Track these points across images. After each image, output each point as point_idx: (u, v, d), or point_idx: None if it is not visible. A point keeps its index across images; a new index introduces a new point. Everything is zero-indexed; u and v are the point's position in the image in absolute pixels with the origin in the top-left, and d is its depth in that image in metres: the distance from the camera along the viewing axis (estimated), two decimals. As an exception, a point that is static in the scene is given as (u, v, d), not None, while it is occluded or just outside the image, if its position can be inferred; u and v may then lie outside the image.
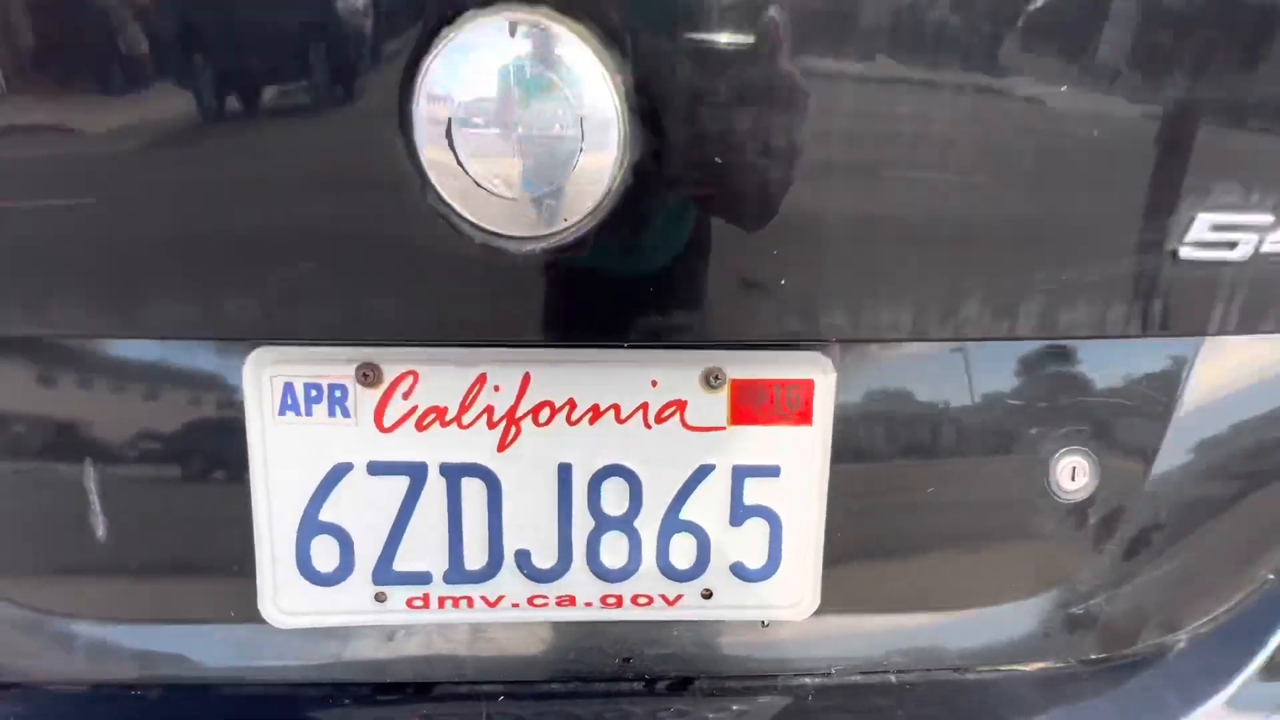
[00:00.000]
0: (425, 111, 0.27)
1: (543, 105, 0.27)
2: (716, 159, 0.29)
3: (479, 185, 0.28)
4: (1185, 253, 0.33)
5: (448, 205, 0.28)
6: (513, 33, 0.26)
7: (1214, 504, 0.41)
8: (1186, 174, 0.31)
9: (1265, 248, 0.33)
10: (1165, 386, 0.40)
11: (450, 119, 0.27)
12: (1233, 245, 0.33)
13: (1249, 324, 0.35)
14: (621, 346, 0.35)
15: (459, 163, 0.27)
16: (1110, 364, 0.39)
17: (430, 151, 0.27)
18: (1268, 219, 0.32)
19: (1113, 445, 0.40)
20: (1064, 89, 0.30)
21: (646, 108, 0.28)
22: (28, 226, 0.30)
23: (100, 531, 0.37)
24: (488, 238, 0.29)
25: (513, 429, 0.37)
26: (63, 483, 0.37)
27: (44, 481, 0.37)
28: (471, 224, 0.29)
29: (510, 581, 0.38)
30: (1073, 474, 0.40)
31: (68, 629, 0.39)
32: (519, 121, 0.26)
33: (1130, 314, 0.34)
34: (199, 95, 0.27)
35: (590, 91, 0.27)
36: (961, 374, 0.39)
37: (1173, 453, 0.40)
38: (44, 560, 0.39)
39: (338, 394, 0.36)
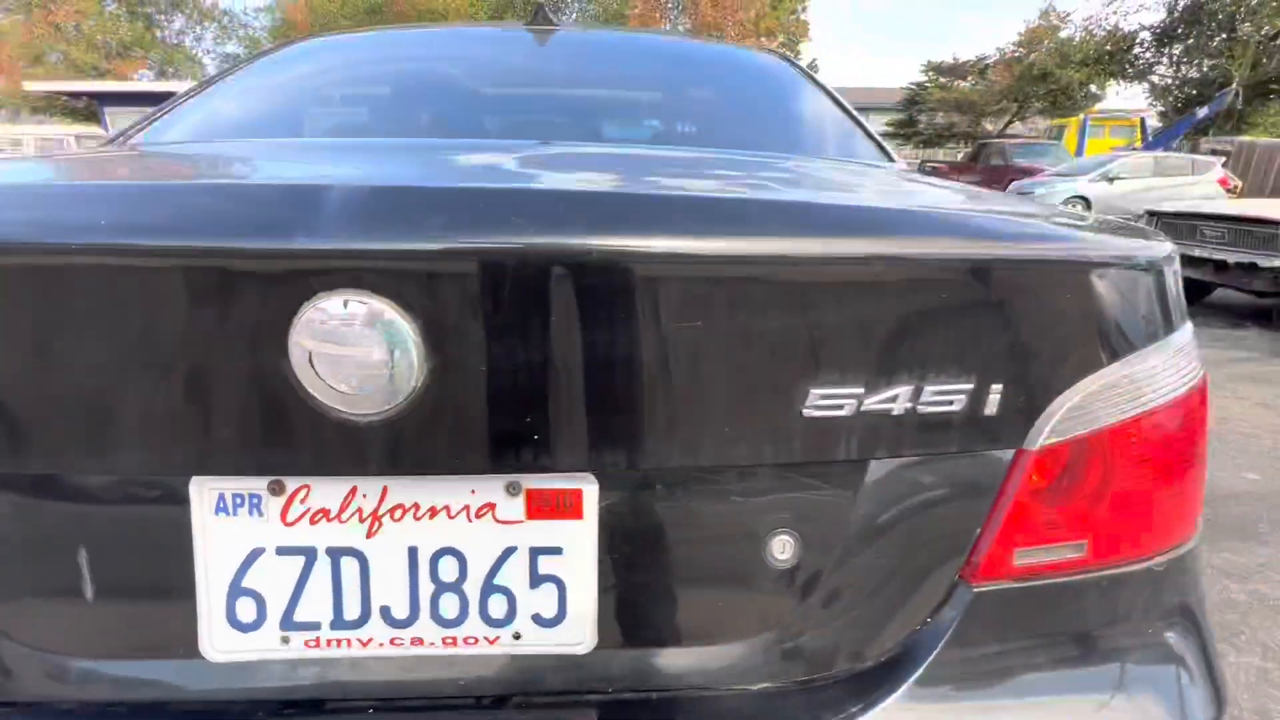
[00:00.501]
0: (296, 347, 0.44)
1: (365, 344, 0.44)
2: (483, 368, 0.46)
3: (331, 388, 0.45)
4: (807, 412, 0.50)
5: (316, 399, 0.45)
6: (345, 304, 0.43)
7: (881, 570, 0.58)
8: (799, 368, 0.49)
9: (863, 407, 0.50)
10: (845, 488, 0.56)
11: (310, 351, 0.44)
12: (840, 406, 0.50)
13: (862, 454, 0.52)
14: (444, 475, 0.52)
15: (318, 375, 0.44)
16: (800, 476, 0.56)
17: (301, 370, 0.44)
18: (859, 390, 0.50)
19: (810, 529, 0.57)
20: (719, 335, 0.47)
21: (434, 341, 0.45)
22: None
23: (89, 594, 0.53)
24: (342, 416, 0.46)
25: (376, 523, 0.53)
26: (62, 559, 0.53)
27: (46, 557, 0.53)
28: (331, 408, 0.46)
29: (377, 628, 0.54)
30: (782, 548, 0.57)
31: (60, 663, 0.55)
32: (350, 354, 0.44)
33: (792, 449, 0.52)
34: (158, 338, 0.45)
35: (395, 334, 0.44)
36: (700, 484, 0.56)
37: (851, 535, 0.57)
38: (43, 608, 0.55)
39: (255, 500, 0.52)
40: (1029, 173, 13.84)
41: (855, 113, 1.37)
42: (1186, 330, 0.61)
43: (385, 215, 0.45)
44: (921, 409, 0.52)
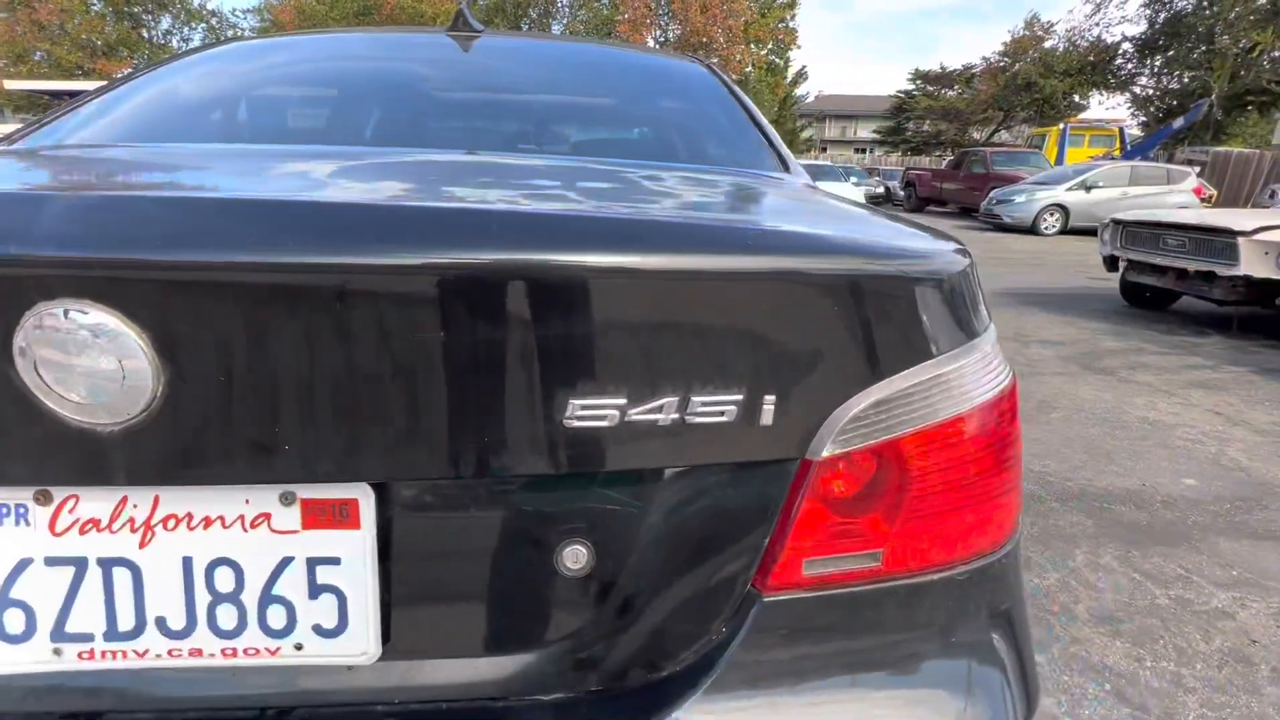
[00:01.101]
0: (19, 354, 0.44)
1: (93, 352, 0.43)
2: (227, 378, 0.46)
3: (64, 398, 0.44)
4: (569, 423, 0.50)
5: (51, 409, 0.45)
6: (65, 314, 0.43)
7: (673, 580, 0.58)
8: (560, 378, 0.49)
9: (628, 418, 0.50)
10: (632, 498, 0.57)
11: (35, 360, 0.43)
12: (602, 417, 0.50)
13: (635, 463, 0.52)
14: (216, 485, 0.51)
15: (47, 385, 0.44)
16: (587, 486, 0.56)
17: (28, 377, 0.44)
18: (621, 401, 0.50)
19: (601, 539, 0.57)
20: (477, 344, 0.47)
21: (169, 351, 0.45)
22: None
23: None
24: (83, 424, 0.46)
25: (149, 532, 0.53)
26: None
27: None
28: (70, 418, 0.45)
29: (153, 639, 0.54)
30: (574, 558, 0.57)
31: None
32: (77, 363, 0.43)
33: (558, 459, 0.52)
34: None
35: (120, 338, 0.44)
36: (479, 491, 0.56)
37: (642, 545, 0.57)
38: None
39: (22, 510, 0.52)
40: (1009, 180, 13.98)
41: (764, 122, 1.38)
42: (986, 338, 0.62)
43: (107, 226, 0.45)
44: (691, 419, 0.52)
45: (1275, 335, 4.99)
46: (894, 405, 0.56)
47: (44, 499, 0.51)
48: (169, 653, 0.54)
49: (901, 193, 19.00)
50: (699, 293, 0.52)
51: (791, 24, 32.90)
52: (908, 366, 0.56)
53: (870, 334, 0.54)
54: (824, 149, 45.01)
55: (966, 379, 0.59)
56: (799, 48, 36.14)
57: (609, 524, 0.57)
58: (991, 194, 13.36)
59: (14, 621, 0.52)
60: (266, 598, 0.54)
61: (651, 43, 30.59)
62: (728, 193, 0.84)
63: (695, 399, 0.51)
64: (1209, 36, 25.36)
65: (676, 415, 0.51)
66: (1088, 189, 12.12)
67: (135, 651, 0.54)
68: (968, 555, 0.62)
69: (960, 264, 0.60)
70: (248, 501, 0.53)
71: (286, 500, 0.53)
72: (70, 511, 0.52)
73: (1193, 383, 3.91)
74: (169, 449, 0.48)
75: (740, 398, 0.52)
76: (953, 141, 33.60)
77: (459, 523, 0.56)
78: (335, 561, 0.54)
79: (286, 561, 0.53)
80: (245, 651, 0.54)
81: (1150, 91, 28.27)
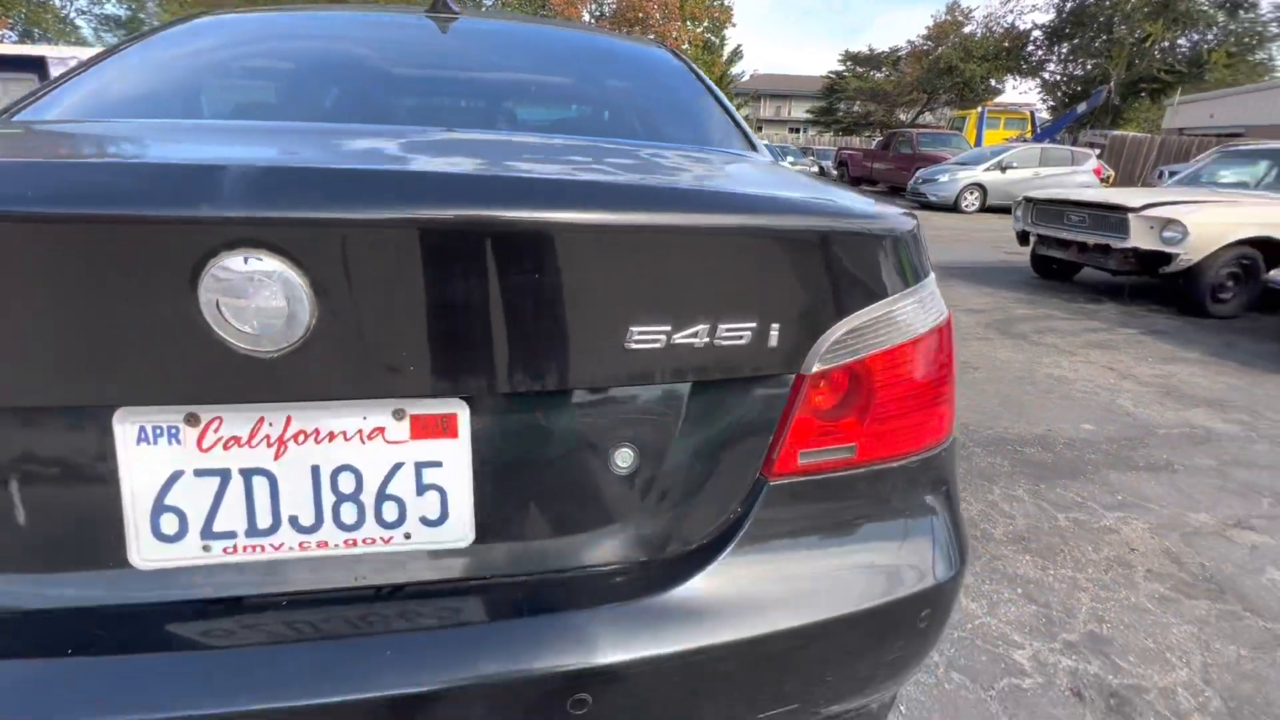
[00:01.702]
0: (205, 293, 0.55)
1: (263, 291, 0.55)
2: (364, 314, 0.58)
3: (237, 329, 0.56)
4: (629, 345, 0.65)
5: (223, 337, 0.56)
6: (246, 260, 0.54)
7: (701, 472, 0.74)
8: (621, 311, 0.64)
9: (673, 341, 0.66)
10: (669, 407, 0.72)
11: (216, 299, 0.55)
12: (654, 341, 0.65)
13: (676, 378, 0.68)
14: (340, 400, 0.63)
15: (225, 319, 0.55)
16: (633, 398, 0.71)
17: (209, 312, 0.55)
18: (668, 328, 0.65)
19: (645, 441, 0.72)
20: (557, 286, 0.61)
21: (321, 285, 0.57)
22: None
23: (21, 518, 0.62)
24: (249, 350, 0.57)
25: (283, 446, 0.64)
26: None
27: None
28: (237, 347, 0.57)
29: (287, 534, 0.66)
30: (623, 458, 0.72)
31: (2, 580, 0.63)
32: (251, 301, 0.55)
33: (619, 375, 0.67)
34: (89, 291, 0.54)
35: (287, 280, 0.55)
36: (556, 402, 0.70)
37: (676, 445, 0.73)
38: None
39: (173, 430, 0.62)
40: (934, 160, 14.72)
41: (729, 104, 1.54)
42: (928, 283, 0.80)
43: (281, 190, 0.56)
44: (718, 342, 0.68)
45: (1159, 301, 5.62)
46: (862, 332, 0.74)
47: (193, 421, 0.62)
48: (299, 545, 0.66)
49: (835, 172, 19.68)
50: (722, 245, 0.67)
51: (726, 2, 33.05)
52: (873, 302, 0.73)
53: (846, 277, 0.72)
54: (759, 128, 45.60)
55: (915, 312, 0.77)
56: (734, 25, 36.38)
57: (651, 429, 0.72)
58: (917, 174, 14.07)
59: (169, 524, 0.63)
60: (381, 496, 0.67)
61: (587, 17, 30.00)
62: (726, 168, 0.99)
63: (721, 326, 0.67)
64: (1109, 26, 27.17)
65: (708, 339, 0.67)
66: (1003, 169, 12.96)
67: (271, 545, 0.65)
68: (918, 448, 0.81)
69: (910, 224, 0.78)
70: (365, 418, 0.65)
71: (398, 416, 0.65)
72: (215, 431, 0.63)
73: (1091, 343, 4.40)
74: (309, 373, 0.60)
75: (754, 325, 0.68)
76: (881, 122, 34.82)
77: (535, 432, 0.70)
78: (438, 465, 0.67)
79: (398, 466, 0.66)
80: (364, 541, 0.67)
81: (1058, 77, 30.15)
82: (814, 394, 0.74)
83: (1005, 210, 9.06)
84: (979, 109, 21.43)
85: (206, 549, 0.64)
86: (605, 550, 0.73)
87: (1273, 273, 4.41)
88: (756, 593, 0.72)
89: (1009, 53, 30.38)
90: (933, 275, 0.82)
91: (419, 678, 0.62)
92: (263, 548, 0.65)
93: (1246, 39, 25.46)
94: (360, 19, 1.59)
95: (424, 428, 0.66)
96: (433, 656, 0.64)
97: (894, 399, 0.78)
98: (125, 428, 0.61)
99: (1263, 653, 1.68)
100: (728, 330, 0.68)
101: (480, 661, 0.64)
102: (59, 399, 0.59)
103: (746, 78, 42.63)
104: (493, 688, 0.64)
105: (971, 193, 13.00)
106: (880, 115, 35.87)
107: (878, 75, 36.93)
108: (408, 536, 0.68)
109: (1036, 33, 29.90)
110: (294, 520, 0.65)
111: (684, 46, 31.60)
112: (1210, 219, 4.96)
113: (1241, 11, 25.43)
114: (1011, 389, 3.50)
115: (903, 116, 35.21)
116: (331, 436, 0.65)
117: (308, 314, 0.57)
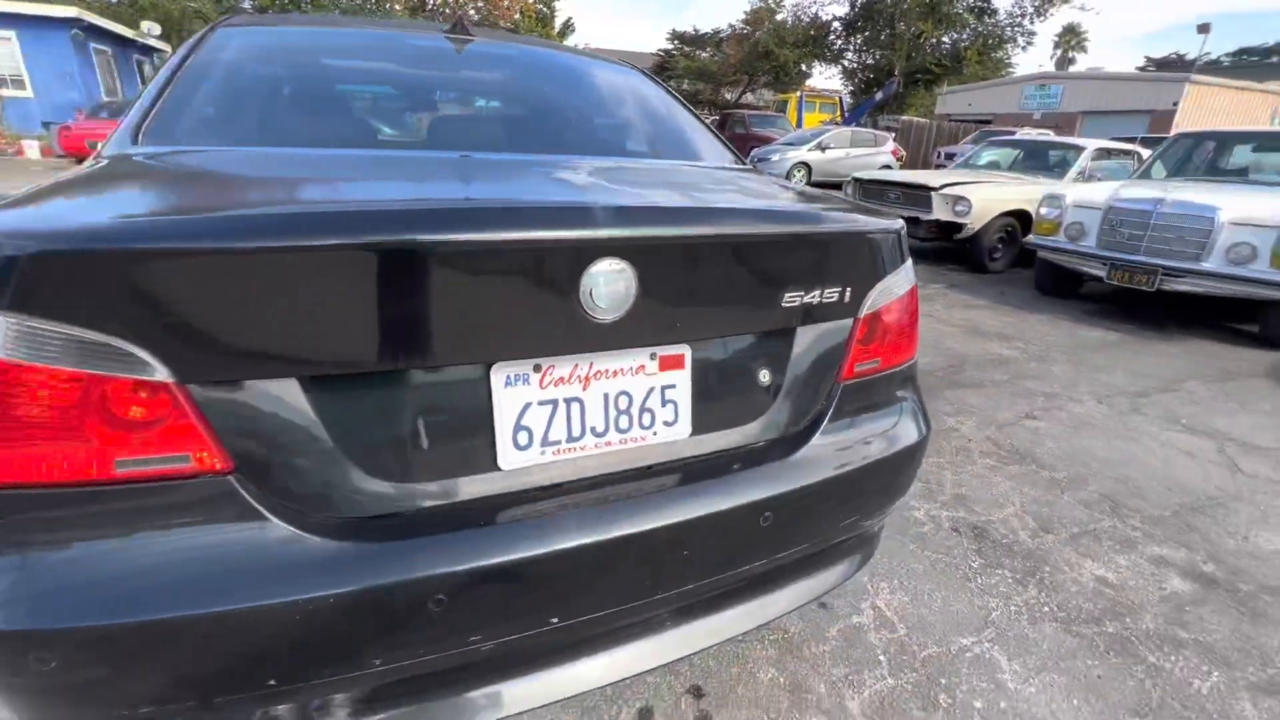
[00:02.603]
0: (586, 283, 0.90)
1: (612, 279, 0.91)
2: (650, 293, 0.97)
3: (597, 306, 0.91)
4: (788, 302, 1.10)
5: (587, 313, 0.91)
6: (606, 262, 0.90)
7: (808, 381, 1.21)
8: (777, 282, 1.08)
9: (812, 300, 1.12)
10: (790, 340, 1.18)
11: (590, 288, 0.90)
12: (800, 298, 1.11)
13: (800, 323, 1.15)
14: (620, 349, 1.01)
15: (592, 300, 0.91)
16: (774, 336, 1.16)
17: (583, 297, 0.90)
18: (801, 292, 1.11)
19: (779, 365, 1.17)
20: (744, 271, 1.04)
21: (642, 277, 0.94)
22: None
23: (425, 442, 0.91)
24: (598, 319, 0.93)
25: (587, 382, 1.00)
26: (412, 420, 0.90)
27: (404, 421, 0.90)
28: (591, 318, 0.92)
29: (588, 440, 1.02)
30: (764, 376, 1.17)
31: (411, 487, 0.92)
32: (605, 291, 0.91)
33: (775, 320, 1.11)
34: (500, 289, 0.87)
35: (627, 273, 0.92)
36: (735, 343, 1.12)
37: (795, 365, 1.19)
38: (400, 454, 0.91)
39: (525, 376, 0.96)
40: (765, 140, 16.22)
41: (702, 117, 1.99)
42: (909, 261, 1.34)
43: (626, 219, 0.91)
44: (823, 300, 1.14)
45: (955, 261, 7.09)
46: (880, 293, 1.25)
47: (537, 369, 0.96)
48: (595, 446, 1.03)
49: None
50: (825, 243, 1.14)
51: (557, -27, 32.63)
52: (887, 274, 1.25)
53: (879, 259, 1.22)
54: (597, 103, 45.73)
55: (903, 280, 1.30)
56: (565, -1, 35.97)
57: (783, 357, 1.18)
58: (752, 153, 15.47)
59: (522, 439, 0.97)
60: (642, 410, 1.05)
61: (411, -21, 28.00)
62: (787, 191, 1.45)
63: (824, 290, 1.14)
64: (892, 22, 31.20)
65: (816, 298, 1.14)
66: (823, 149, 14.75)
67: (579, 448, 1.01)
68: (904, 361, 1.35)
69: (900, 225, 1.30)
70: (635, 359, 1.03)
71: (652, 357, 1.04)
72: (550, 374, 0.97)
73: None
74: (617, 333, 0.97)
75: (837, 289, 1.16)
76: (709, 101, 36.89)
77: (723, 361, 1.12)
78: (673, 386, 1.07)
79: (651, 389, 1.05)
80: (631, 440, 1.05)
81: (855, 66, 34.11)
82: (860, 330, 1.24)
83: (826, 186, 10.52)
84: (798, 93, 23.76)
85: (542, 453, 0.99)
86: (758, 432, 1.18)
87: (1029, 236, 5.87)
88: (840, 450, 1.22)
89: (815, 41, 33.60)
90: (910, 257, 1.36)
91: (670, 516, 1.02)
92: (574, 449, 1.01)
93: (990, 40, 30.77)
94: (396, 39, 1.79)
95: (666, 363, 1.06)
96: (675, 504, 1.04)
97: (894, 332, 1.31)
98: (498, 376, 0.94)
99: (1051, 491, 2.57)
100: (825, 293, 1.15)
101: (704, 503, 1.06)
102: (461, 359, 0.91)
103: (580, 51, 42.44)
104: (714, 515, 1.06)
105: (799, 170, 14.65)
106: (708, 94, 37.89)
107: (703, 55, 38.83)
108: (655, 434, 1.07)
109: (836, 24, 33.40)
110: (593, 429, 1.02)
111: (516, 17, 30.82)
112: (986, 195, 6.38)
113: (985, 16, 30.64)
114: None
115: (728, 96, 37.51)
116: (616, 373, 1.02)
117: (633, 295, 0.94)
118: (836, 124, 18.95)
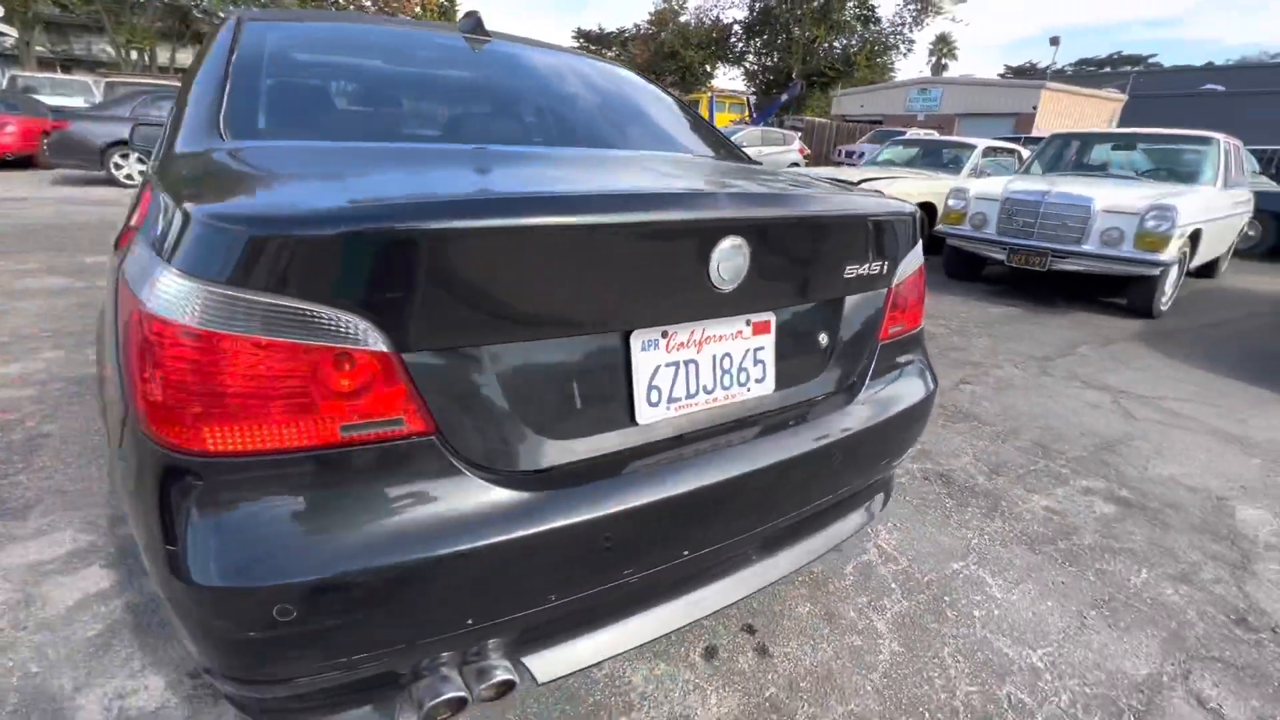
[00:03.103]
0: (715, 261, 1.05)
1: (733, 255, 1.08)
2: (754, 268, 1.14)
3: (721, 278, 1.07)
4: (846, 274, 1.30)
5: (711, 284, 1.07)
6: (729, 239, 1.06)
7: (856, 340, 1.42)
8: (840, 259, 1.29)
9: (861, 272, 1.33)
10: (841, 307, 1.39)
11: (718, 263, 1.06)
12: (856, 270, 1.32)
13: (850, 291, 1.36)
14: (725, 317, 1.17)
15: (719, 274, 1.07)
16: (831, 304, 1.37)
17: (711, 270, 1.06)
18: (854, 265, 1.32)
19: (832, 328, 1.38)
20: (816, 252, 1.24)
21: (758, 250, 1.11)
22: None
23: (578, 402, 1.04)
24: (717, 290, 1.09)
25: (701, 345, 1.16)
26: (567, 383, 1.03)
27: (561, 384, 1.02)
28: (715, 288, 1.08)
29: (701, 396, 1.17)
30: (824, 339, 1.37)
31: (565, 444, 1.04)
32: (727, 265, 1.07)
33: (837, 289, 1.32)
34: (639, 264, 1.01)
35: (744, 249, 1.09)
36: (807, 309, 1.31)
37: (845, 327, 1.40)
38: (557, 412, 1.03)
39: (656, 341, 1.10)
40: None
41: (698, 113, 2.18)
42: (919, 241, 1.59)
43: (745, 202, 1.08)
44: (868, 271, 1.36)
45: (870, 250, 7.71)
46: (905, 267, 1.49)
47: (664, 335, 1.11)
48: (705, 401, 1.19)
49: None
50: (870, 227, 1.35)
51: (457, -33, 31.78)
52: (910, 250, 1.48)
53: (905, 238, 1.45)
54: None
55: (917, 256, 1.55)
56: (467, -7, 35.16)
57: (838, 321, 1.38)
58: (671, 151, 15.87)
59: (654, 396, 1.11)
60: (739, 369, 1.22)
61: (298, -34, 26.37)
62: (800, 177, 1.65)
63: (868, 264, 1.36)
64: (788, 26, 32.78)
65: (861, 270, 1.35)
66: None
67: (695, 403, 1.17)
68: (917, 325, 1.60)
69: (916, 209, 1.54)
70: (734, 325, 1.20)
71: (747, 322, 1.22)
72: (674, 339, 1.12)
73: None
74: (730, 301, 1.13)
75: (880, 263, 1.38)
76: (619, 100, 37.21)
77: (796, 326, 1.31)
78: (762, 348, 1.25)
79: (746, 351, 1.22)
80: (732, 396, 1.22)
81: (756, 68, 35.63)
82: (891, 298, 1.47)
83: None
84: (709, 94, 24.54)
85: (668, 409, 1.14)
86: (820, 386, 1.38)
87: (938, 226, 6.51)
88: (883, 398, 1.45)
89: (718, 43, 34.74)
90: (920, 238, 1.61)
91: (767, 459, 1.20)
92: (691, 405, 1.17)
93: (877, 46, 33.08)
94: (420, 37, 1.84)
95: (758, 328, 1.23)
96: (767, 448, 1.22)
97: (910, 300, 1.55)
98: (636, 341, 1.08)
99: (995, 442, 2.97)
100: (870, 265, 1.36)
101: (789, 446, 1.25)
102: (610, 327, 1.04)
103: (484, 48, 41.55)
104: (796, 457, 1.25)
105: (716, 168, 15.19)
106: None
107: (609, 54, 39.11)
108: (749, 390, 1.25)
109: (737, 27, 34.70)
110: (704, 387, 1.18)
111: (417, 10, 29.72)
112: (899, 190, 7.00)
113: (871, 24, 32.88)
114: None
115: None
116: (721, 337, 1.19)
117: (746, 268, 1.10)
118: (746, 124, 19.78)
